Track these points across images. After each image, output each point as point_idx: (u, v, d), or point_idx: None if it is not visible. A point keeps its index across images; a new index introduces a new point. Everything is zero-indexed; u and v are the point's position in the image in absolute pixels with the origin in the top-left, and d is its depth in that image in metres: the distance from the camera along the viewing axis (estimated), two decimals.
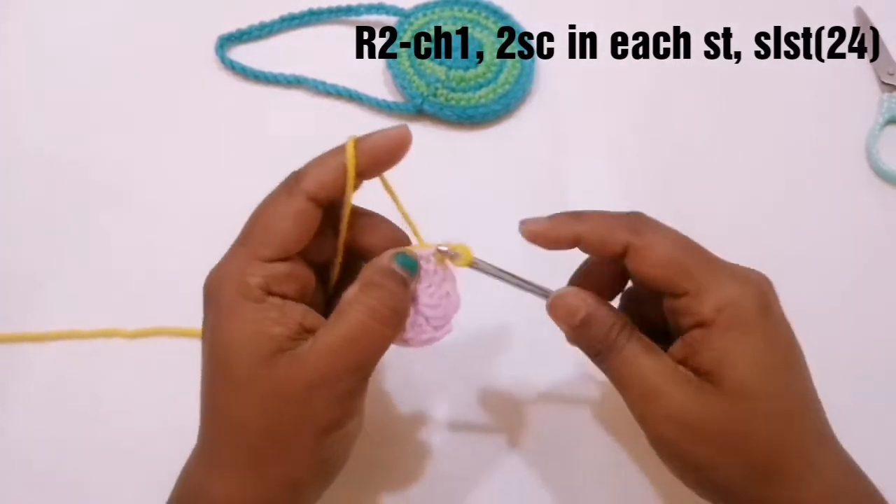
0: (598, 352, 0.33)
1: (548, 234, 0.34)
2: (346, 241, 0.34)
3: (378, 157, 0.33)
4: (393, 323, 0.32)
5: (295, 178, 0.33)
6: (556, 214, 0.35)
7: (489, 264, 0.35)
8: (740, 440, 0.31)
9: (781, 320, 0.33)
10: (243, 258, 0.32)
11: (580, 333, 0.34)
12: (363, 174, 0.33)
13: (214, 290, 0.32)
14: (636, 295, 0.37)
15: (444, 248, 0.34)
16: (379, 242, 0.34)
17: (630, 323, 0.33)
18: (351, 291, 0.32)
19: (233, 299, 0.31)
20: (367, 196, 0.34)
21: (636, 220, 0.34)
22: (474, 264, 0.35)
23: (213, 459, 0.32)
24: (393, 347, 0.33)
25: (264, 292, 0.31)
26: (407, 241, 0.35)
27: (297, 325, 0.31)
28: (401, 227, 0.36)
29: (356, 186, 0.33)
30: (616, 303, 0.38)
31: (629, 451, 0.41)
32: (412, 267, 0.33)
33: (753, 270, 0.34)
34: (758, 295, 0.32)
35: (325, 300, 0.36)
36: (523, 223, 0.34)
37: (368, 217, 0.35)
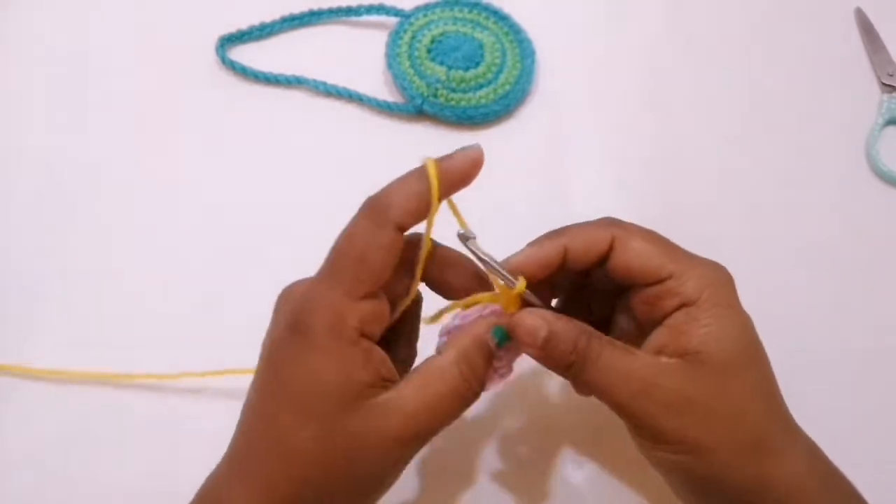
0: (571, 364, 0.32)
1: (535, 257, 0.34)
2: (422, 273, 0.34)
3: (454, 181, 0.32)
4: (473, 399, 0.32)
5: (381, 207, 0.31)
6: (534, 240, 0.35)
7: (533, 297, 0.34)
8: (737, 416, 0.32)
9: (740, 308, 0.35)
10: (339, 294, 0.31)
11: (547, 352, 0.32)
12: (442, 197, 0.32)
13: (307, 317, 0.31)
14: (579, 297, 0.38)
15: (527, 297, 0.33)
16: (455, 280, 0.34)
17: (594, 330, 0.33)
18: (443, 361, 0.32)
19: (328, 335, 0.30)
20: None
21: (612, 221, 0.35)
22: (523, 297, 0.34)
23: (248, 481, 0.31)
24: None
25: (359, 334, 0.31)
26: (486, 281, 0.34)
27: (377, 372, 0.31)
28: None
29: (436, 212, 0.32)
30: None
31: (629, 452, 0.41)
32: (504, 340, 0.33)
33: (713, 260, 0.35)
34: (728, 278, 0.34)
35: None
36: (507, 263, 0.34)
37: (442, 250, 0.34)
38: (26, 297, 0.46)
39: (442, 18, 0.56)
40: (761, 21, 0.58)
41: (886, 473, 0.42)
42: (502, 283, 0.33)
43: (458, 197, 0.50)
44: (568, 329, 0.32)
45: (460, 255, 0.35)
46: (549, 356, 0.33)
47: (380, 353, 0.32)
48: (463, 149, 0.32)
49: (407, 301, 0.34)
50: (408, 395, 0.31)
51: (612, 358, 0.32)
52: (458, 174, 0.32)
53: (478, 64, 0.53)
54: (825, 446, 0.34)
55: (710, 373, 0.32)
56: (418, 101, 0.52)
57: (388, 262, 0.31)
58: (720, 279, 0.34)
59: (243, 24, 0.56)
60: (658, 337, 0.33)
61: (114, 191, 0.50)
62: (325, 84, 0.54)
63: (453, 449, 0.42)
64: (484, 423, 0.43)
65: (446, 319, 0.34)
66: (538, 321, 0.32)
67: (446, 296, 0.35)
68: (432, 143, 0.53)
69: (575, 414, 0.43)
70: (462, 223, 0.33)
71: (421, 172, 0.31)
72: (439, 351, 0.33)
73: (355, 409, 0.30)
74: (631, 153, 0.52)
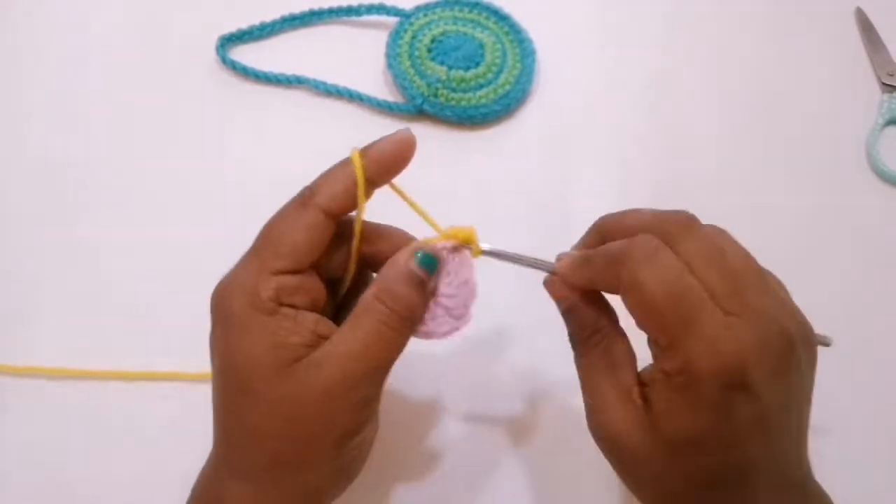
0: (593, 333, 0.33)
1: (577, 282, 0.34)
2: (359, 254, 0.35)
3: (385, 164, 0.33)
4: (406, 329, 0.33)
5: (307, 193, 0.33)
6: (570, 260, 0.34)
7: (499, 250, 0.35)
8: (672, 474, 0.31)
9: (753, 396, 0.29)
10: (254, 270, 0.32)
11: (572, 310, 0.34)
12: (374, 183, 0.33)
13: (225, 303, 0.32)
14: None
15: (467, 247, 0.34)
16: (390, 249, 0.34)
17: (612, 329, 0.33)
18: (367, 296, 0.32)
19: (245, 312, 0.31)
20: (376, 200, 0.34)
21: (637, 250, 0.31)
22: (483, 252, 0.34)
23: (232, 469, 0.32)
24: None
25: (276, 304, 0.31)
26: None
27: (310, 332, 0.32)
28: (414, 225, 0.35)
29: (367, 196, 0.33)
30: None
31: None
32: (432, 266, 0.33)
33: (752, 328, 0.29)
34: (728, 368, 0.28)
35: (335, 311, 0.36)
36: (550, 283, 0.34)
37: (378, 227, 0.35)
38: (26, 296, 0.46)
39: (442, 18, 0.56)
40: (761, 21, 0.58)
41: (885, 474, 0.42)
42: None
43: (459, 196, 0.50)
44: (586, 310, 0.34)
45: (390, 227, 0.36)
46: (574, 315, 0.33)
47: (312, 315, 0.32)
48: (391, 134, 0.34)
49: (348, 277, 0.35)
50: (339, 340, 0.32)
51: (598, 359, 0.33)
52: (387, 158, 0.33)
53: (478, 64, 0.53)
54: (822, 449, 0.34)
55: (655, 435, 0.30)
56: (418, 101, 0.52)
57: (311, 240, 0.32)
58: (711, 367, 0.29)
59: (243, 24, 0.56)
60: (648, 373, 0.32)
61: (113, 190, 0.50)
62: (325, 84, 0.54)
63: (457, 449, 0.42)
64: (490, 420, 0.43)
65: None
66: (566, 293, 0.34)
67: (377, 267, 0.35)
68: (432, 142, 0.52)
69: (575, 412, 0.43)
70: (406, 199, 0.34)
71: (346, 160, 0.33)
72: None
73: (293, 371, 0.31)
74: (631, 153, 0.52)
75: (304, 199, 0.33)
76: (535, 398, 0.44)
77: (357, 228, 0.34)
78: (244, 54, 0.55)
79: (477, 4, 0.56)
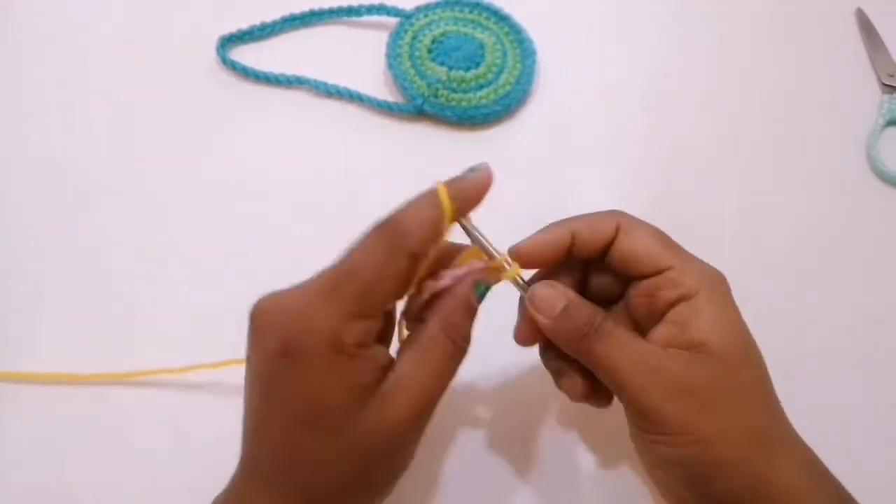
0: (585, 336, 0.33)
1: (543, 241, 0.35)
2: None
3: (467, 204, 0.33)
4: (463, 356, 0.33)
5: (397, 235, 0.31)
6: (541, 228, 0.35)
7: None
8: (737, 407, 0.32)
9: None
10: (336, 314, 0.30)
11: (561, 322, 0.33)
12: (454, 220, 0.33)
13: (297, 340, 0.30)
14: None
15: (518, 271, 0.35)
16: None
17: (607, 313, 0.34)
18: (432, 330, 0.32)
19: (324, 355, 0.30)
20: None
21: (618, 212, 0.36)
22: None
23: (276, 496, 0.32)
24: None
25: (357, 348, 0.31)
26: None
27: (378, 367, 0.32)
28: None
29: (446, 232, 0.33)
30: None
31: (629, 453, 0.41)
32: (485, 295, 0.34)
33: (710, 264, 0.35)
34: (725, 281, 0.35)
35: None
36: (515, 248, 0.35)
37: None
38: (25, 296, 0.46)
39: (443, 18, 0.56)
40: (762, 21, 0.58)
41: (883, 476, 0.42)
42: (497, 259, 0.34)
43: None
44: (584, 303, 0.34)
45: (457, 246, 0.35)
46: (563, 327, 0.33)
47: (381, 351, 0.32)
48: (472, 170, 0.33)
49: (408, 294, 0.34)
50: (406, 374, 0.32)
51: (623, 336, 0.33)
52: (469, 198, 0.33)
53: (478, 64, 0.53)
54: (819, 446, 0.34)
55: (714, 363, 0.32)
56: (419, 101, 0.52)
57: (399, 290, 0.32)
58: (718, 279, 0.35)
59: (243, 24, 0.56)
60: (661, 331, 0.34)
61: (113, 190, 0.50)
62: (325, 84, 0.54)
63: (458, 451, 0.42)
64: (492, 422, 0.43)
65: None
66: (557, 292, 0.34)
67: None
68: (432, 143, 0.53)
69: (572, 413, 0.43)
70: (471, 235, 0.34)
71: (433, 198, 0.32)
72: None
73: (364, 408, 0.31)
74: (631, 153, 0.52)
75: (394, 241, 0.31)
76: (533, 398, 0.44)
77: (427, 261, 0.33)
78: (244, 54, 0.55)
79: (477, 5, 0.56)
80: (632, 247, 0.34)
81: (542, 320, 0.34)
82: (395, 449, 0.32)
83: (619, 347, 0.33)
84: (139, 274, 0.47)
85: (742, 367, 0.33)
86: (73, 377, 0.43)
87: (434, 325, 0.32)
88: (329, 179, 0.50)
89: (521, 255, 0.35)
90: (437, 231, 0.32)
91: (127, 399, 0.43)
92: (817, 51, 0.57)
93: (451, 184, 0.32)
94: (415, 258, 0.31)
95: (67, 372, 0.44)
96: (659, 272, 0.34)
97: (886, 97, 0.54)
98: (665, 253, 0.34)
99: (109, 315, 0.46)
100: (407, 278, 0.32)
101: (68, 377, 0.44)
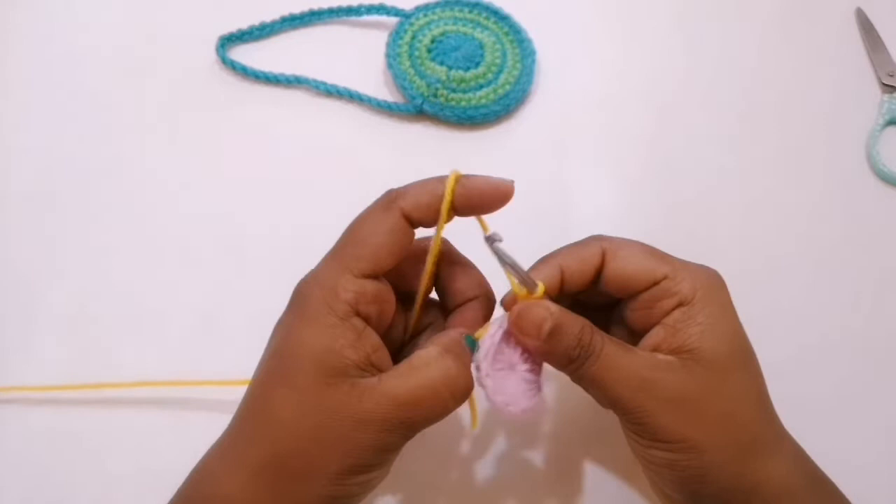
0: (574, 359, 0.33)
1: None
2: (433, 275, 0.35)
3: (476, 200, 0.33)
4: (460, 397, 0.32)
5: (392, 196, 0.33)
6: (530, 268, 0.35)
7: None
8: (729, 415, 0.32)
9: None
10: (335, 270, 0.32)
11: (551, 345, 0.33)
12: (458, 210, 0.33)
13: (304, 292, 0.32)
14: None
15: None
16: (465, 289, 0.35)
17: (594, 326, 0.33)
18: (430, 351, 0.32)
19: (319, 307, 0.31)
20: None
21: (597, 236, 0.36)
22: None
23: (238, 455, 0.32)
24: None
25: (352, 310, 0.31)
26: (492, 295, 0.36)
27: (366, 356, 0.31)
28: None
29: (448, 219, 0.33)
30: None
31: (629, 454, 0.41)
32: (473, 348, 0.34)
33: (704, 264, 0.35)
34: (721, 281, 0.35)
35: (403, 332, 0.37)
36: (504, 302, 0.35)
37: (453, 252, 0.36)
38: (25, 296, 0.46)
39: (442, 18, 0.56)
40: (762, 21, 0.58)
41: (881, 476, 0.42)
42: (519, 284, 0.33)
43: None
44: (572, 322, 0.33)
45: (465, 258, 0.36)
46: (553, 349, 0.33)
47: (374, 338, 0.32)
48: (495, 177, 0.33)
49: (422, 291, 0.35)
50: (392, 383, 0.31)
51: (614, 353, 0.33)
52: (481, 195, 0.33)
53: (478, 64, 0.53)
54: (818, 447, 0.34)
55: (705, 371, 0.32)
56: (418, 101, 0.52)
57: (391, 244, 0.32)
58: (713, 281, 0.34)
59: (243, 24, 0.56)
60: (654, 335, 0.34)
61: (113, 190, 0.50)
62: (325, 84, 0.54)
63: (459, 453, 0.42)
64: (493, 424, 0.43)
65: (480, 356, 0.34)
66: (544, 312, 0.33)
67: (446, 300, 0.36)
68: (432, 143, 0.53)
69: (571, 413, 0.43)
70: (486, 228, 0.34)
71: (441, 177, 0.33)
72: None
73: (335, 384, 0.31)
74: (630, 152, 0.52)
75: (388, 201, 0.33)
76: None
77: (433, 245, 0.34)
78: (244, 54, 0.55)
79: (477, 4, 0.56)
80: (622, 268, 0.34)
81: (530, 343, 0.33)
82: (348, 448, 0.30)
83: (608, 367, 0.32)
84: (138, 274, 0.47)
85: (734, 371, 0.33)
86: (62, 388, 0.43)
87: (432, 346, 0.33)
88: (328, 179, 0.50)
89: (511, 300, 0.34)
90: (434, 199, 0.32)
91: (125, 412, 0.43)
92: (817, 50, 0.57)
93: (466, 175, 0.33)
94: (409, 220, 0.32)
95: (68, 369, 0.44)
96: (655, 283, 0.34)
97: (886, 97, 0.54)
98: (656, 264, 0.34)
99: (108, 317, 0.46)
100: (399, 239, 0.32)
101: (59, 388, 0.43)
